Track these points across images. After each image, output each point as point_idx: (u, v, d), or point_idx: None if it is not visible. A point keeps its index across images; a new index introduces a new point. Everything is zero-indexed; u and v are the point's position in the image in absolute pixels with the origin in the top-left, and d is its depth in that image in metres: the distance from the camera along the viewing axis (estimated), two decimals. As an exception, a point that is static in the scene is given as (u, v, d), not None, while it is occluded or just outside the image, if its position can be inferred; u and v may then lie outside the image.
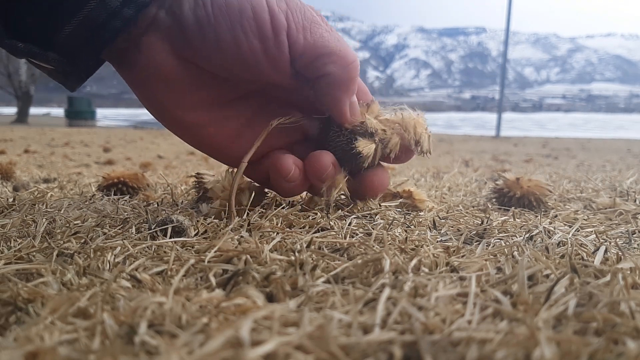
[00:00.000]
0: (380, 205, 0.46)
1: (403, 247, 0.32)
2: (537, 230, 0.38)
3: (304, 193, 0.50)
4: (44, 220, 0.38)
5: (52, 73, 0.41)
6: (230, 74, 0.40)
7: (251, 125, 0.43)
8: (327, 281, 0.26)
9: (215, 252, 0.30)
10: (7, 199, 0.51)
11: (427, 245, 0.33)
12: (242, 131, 0.43)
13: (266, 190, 0.48)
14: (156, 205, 0.49)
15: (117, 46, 0.39)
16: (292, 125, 0.42)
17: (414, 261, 0.28)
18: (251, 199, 0.43)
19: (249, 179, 0.47)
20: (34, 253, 0.30)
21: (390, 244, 0.33)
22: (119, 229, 0.37)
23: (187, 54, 0.39)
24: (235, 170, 0.42)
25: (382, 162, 0.45)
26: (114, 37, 0.37)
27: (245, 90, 0.42)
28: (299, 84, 0.41)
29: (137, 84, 0.42)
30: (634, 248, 0.36)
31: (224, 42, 0.37)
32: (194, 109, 0.41)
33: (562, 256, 0.31)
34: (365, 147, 0.41)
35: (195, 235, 0.36)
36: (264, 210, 0.42)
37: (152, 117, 0.45)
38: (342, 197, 0.49)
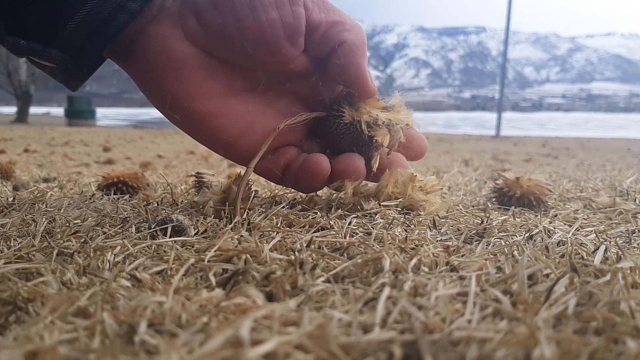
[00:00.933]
0: (380, 205, 0.46)
1: (403, 246, 0.32)
2: (537, 230, 0.38)
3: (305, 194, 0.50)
4: (44, 219, 0.38)
5: (53, 72, 0.40)
6: (245, 56, 0.39)
7: (261, 119, 0.43)
8: (327, 280, 0.26)
9: (215, 251, 0.30)
10: (7, 198, 0.51)
11: (427, 245, 0.33)
12: (252, 125, 0.42)
13: (255, 189, 0.48)
14: (156, 205, 0.49)
15: (123, 39, 0.38)
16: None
17: (414, 260, 0.28)
18: (250, 199, 0.43)
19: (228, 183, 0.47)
20: (34, 252, 0.30)
21: (390, 243, 0.33)
22: (119, 229, 0.37)
23: (201, 38, 0.38)
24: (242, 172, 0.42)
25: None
26: (120, 31, 0.37)
27: (255, 83, 0.42)
28: (310, 69, 0.41)
29: (144, 75, 0.41)
30: (634, 247, 0.36)
31: (242, 17, 0.37)
32: (205, 98, 0.40)
33: (562, 255, 0.31)
34: (382, 135, 0.42)
35: (195, 234, 0.36)
36: (263, 210, 0.42)
37: (152, 116, 0.45)
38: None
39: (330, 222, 0.39)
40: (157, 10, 0.38)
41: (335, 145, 0.45)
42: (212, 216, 0.41)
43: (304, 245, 0.32)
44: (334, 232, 0.36)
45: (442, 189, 0.51)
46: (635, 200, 0.59)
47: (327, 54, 0.40)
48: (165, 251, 0.31)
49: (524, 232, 0.38)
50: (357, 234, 0.37)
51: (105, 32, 0.37)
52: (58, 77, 0.41)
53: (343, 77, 0.41)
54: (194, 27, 0.38)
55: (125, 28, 0.37)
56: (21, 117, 12.52)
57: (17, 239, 0.34)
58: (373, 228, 0.37)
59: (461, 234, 0.36)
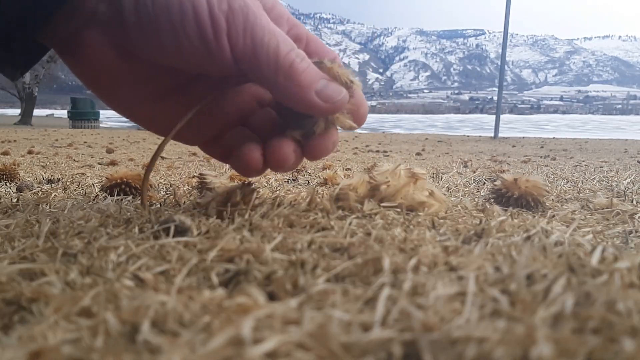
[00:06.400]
0: (380, 206, 0.46)
1: (402, 246, 0.32)
2: (535, 230, 0.39)
3: (305, 193, 0.50)
4: (48, 220, 0.39)
5: None
6: (173, 67, 0.40)
7: (200, 111, 0.42)
8: (328, 280, 0.26)
9: (217, 251, 0.30)
10: (11, 200, 0.52)
11: (426, 245, 0.33)
12: (192, 118, 0.42)
13: (255, 188, 0.48)
14: (159, 206, 0.49)
15: (57, 34, 0.38)
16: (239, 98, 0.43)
17: (413, 260, 0.28)
18: (252, 200, 0.43)
19: (238, 182, 0.47)
20: (38, 253, 0.31)
21: (389, 243, 0.33)
22: (122, 229, 0.37)
23: (128, 49, 0.38)
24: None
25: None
26: (50, 15, 0.36)
27: (187, 79, 0.42)
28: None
29: (81, 75, 0.41)
30: (631, 248, 0.36)
31: (166, 43, 0.37)
32: (139, 102, 0.41)
33: (560, 256, 0.31)
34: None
35: (198, 234, 0.36)
36: (265, 211, 0.43)
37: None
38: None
39: (331, 222, 0.39)
40: (90, 16, 0.37)
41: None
42: (215, 217, 0.41)
43: (305, 245, 0.32)
44: (335, 233, 0.36)
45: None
46: (632, 201, 0.60)
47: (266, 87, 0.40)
48: (168, 251, 0.31)
49: (522, 233, 0.38)
50: (357, 234, 0.37)
51: (34, 15, 0.36)
52: None
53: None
54: (121, 39, 0.38)
55: (55, 11, 0.36)
56: (25, 119, 12.56)
57: (21, 239, 0.35)
58: (373, 228, 0.38)
59: (460, 235, 0.37)
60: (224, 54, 0.37)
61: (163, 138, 0.43)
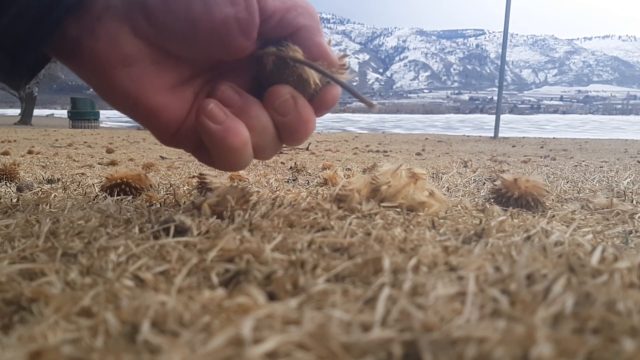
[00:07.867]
0: (379, 206, 0.46)
1: (402, 246, 0.32)
2: (535, 230, 0.39)
3: (305, 194, 0.50)
4: (48, 220, 0.39)
5: None
6: (198, 52, 0.39)
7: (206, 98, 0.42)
8: (328, 280, 0.26)
9: (217, 251, 0.30)
10: (11, 200, 0.52)
11: (426, 245, 0.33)
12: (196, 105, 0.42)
13: (254, 190, 0.48)
14: (159, 206, 0.49)
15: (66, 35, 0.37)
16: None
17: (413, 260, 0.28)
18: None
19: (238, 182, 0.46)
20: (38, 253, 0.31)
21: (389, 243, 0.33)
22: (122, 229, 0.37)
23: (151, 35, 0.38)
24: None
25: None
26: (57, 26, 0.36)
27: (203, 67, 0.42)
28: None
29: (93, 74, 0.40)
30: (631, 248, 0.36)
31: (195, 13, 0.37)
32: (158, 92, 0.40)
33: (560, 256, 0.31)
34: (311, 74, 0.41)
35: (198, 234, 0.36)
36: (265, 211, 0.43)
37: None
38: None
39: (331, 222, 0.39)
40: (103, 8, 0.37)
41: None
42: (215, 217, 0.41)
43: (305, 245, 0.32)
44: (335, 233, 0.36)
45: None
46: (632, 201, 0.60)
47: (283, 37, 0.40)
48: (168, 251, 0.31)
49: (522, 233, 0.38)
50: (357, 234, 0.37)
51: (42, 28, 0.36)
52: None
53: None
54: (143, 25, 0.37)
55: (63, 23, 0.36)
56: (25, 118, 12.59)
57: (21, 239, 0.35)
58: (373, 228, 0.38)
59: (460, 235, 0.37)
60: (253, 15, 0.37)
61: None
